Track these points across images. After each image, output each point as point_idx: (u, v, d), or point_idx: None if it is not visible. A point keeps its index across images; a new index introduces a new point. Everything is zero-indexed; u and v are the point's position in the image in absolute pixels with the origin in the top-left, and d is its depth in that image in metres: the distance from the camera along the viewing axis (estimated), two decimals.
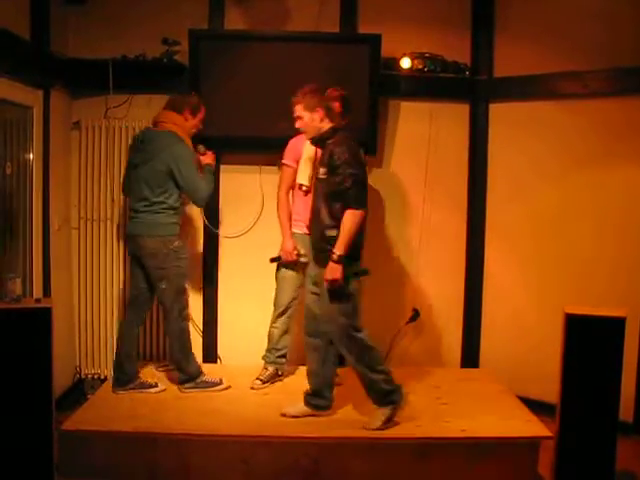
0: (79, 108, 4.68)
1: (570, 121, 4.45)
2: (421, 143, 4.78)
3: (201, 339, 4.86)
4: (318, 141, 3.61)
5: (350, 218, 3.39)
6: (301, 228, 4.10)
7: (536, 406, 3.99)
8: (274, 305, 4.28)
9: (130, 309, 4.18)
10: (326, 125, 3.56)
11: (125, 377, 4.06)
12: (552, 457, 3.44)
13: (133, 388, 4.05)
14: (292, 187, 4.21)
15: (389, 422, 3.55)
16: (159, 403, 3.85)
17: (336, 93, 3.68)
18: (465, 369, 4.85)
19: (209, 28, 4.65)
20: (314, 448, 3.45)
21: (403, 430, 3.56)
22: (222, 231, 4.80)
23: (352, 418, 3.70)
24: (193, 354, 4.15)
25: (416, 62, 4.65)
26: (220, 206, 4.78)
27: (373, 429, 3.53)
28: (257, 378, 4.23)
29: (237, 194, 4.78)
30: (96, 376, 4.76)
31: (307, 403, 3.74)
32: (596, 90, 4.27)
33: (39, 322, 3.20)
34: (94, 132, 4.63)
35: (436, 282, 4.92)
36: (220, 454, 3.46)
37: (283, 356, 4.32)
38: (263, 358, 4.32)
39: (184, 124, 3.99)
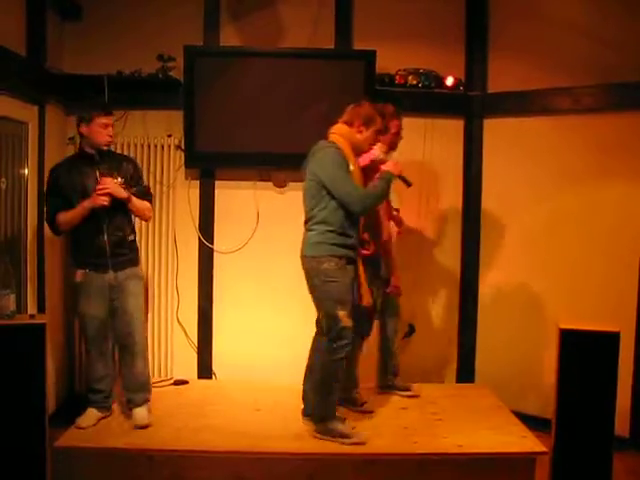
0: (74, 124, 4.67)
1: (562, 137, 4.48)
2: (416, 158, 4.80)
3: (196, 355, 4.85)
4: None
5: None
6: None
7: (532, 421, 3.98)
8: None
9: None
10: None
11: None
12: (548, 472, 3.44)
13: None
14: None
15: None
16: (153, 419, 3.81)
17: None
18: (461, 384, 4.84)
19: (204, 44, 4.68)
20: (309, 464, 3.43)
21: (399, 446, 3.54)
22: (217, 247, 4.81)
23: None
24: (332, 397, 3.62)
25: (411, 78, 4.69)
26: (215, 221, 4.79)
27: None
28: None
29: (232, 210, 4.79)
30: None
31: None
32: (587, 106, 4.31)
33: (33, 338, 3.20)
34: None
35: (431, 297, 4.93)
36: (215, 470, 3.43)
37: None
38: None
39: (353, 137, 3.60)
